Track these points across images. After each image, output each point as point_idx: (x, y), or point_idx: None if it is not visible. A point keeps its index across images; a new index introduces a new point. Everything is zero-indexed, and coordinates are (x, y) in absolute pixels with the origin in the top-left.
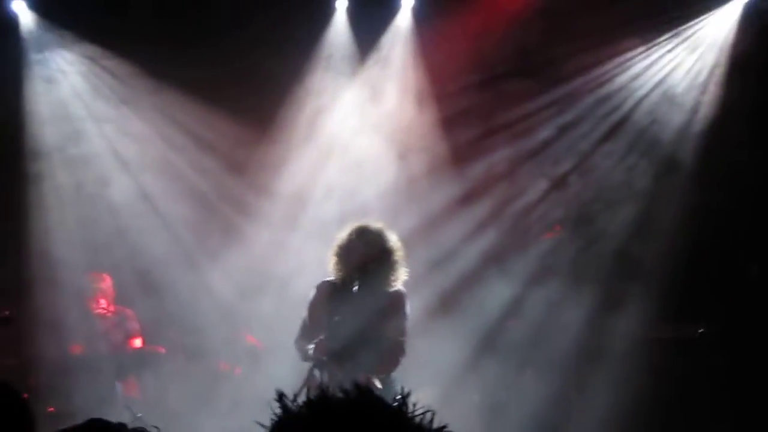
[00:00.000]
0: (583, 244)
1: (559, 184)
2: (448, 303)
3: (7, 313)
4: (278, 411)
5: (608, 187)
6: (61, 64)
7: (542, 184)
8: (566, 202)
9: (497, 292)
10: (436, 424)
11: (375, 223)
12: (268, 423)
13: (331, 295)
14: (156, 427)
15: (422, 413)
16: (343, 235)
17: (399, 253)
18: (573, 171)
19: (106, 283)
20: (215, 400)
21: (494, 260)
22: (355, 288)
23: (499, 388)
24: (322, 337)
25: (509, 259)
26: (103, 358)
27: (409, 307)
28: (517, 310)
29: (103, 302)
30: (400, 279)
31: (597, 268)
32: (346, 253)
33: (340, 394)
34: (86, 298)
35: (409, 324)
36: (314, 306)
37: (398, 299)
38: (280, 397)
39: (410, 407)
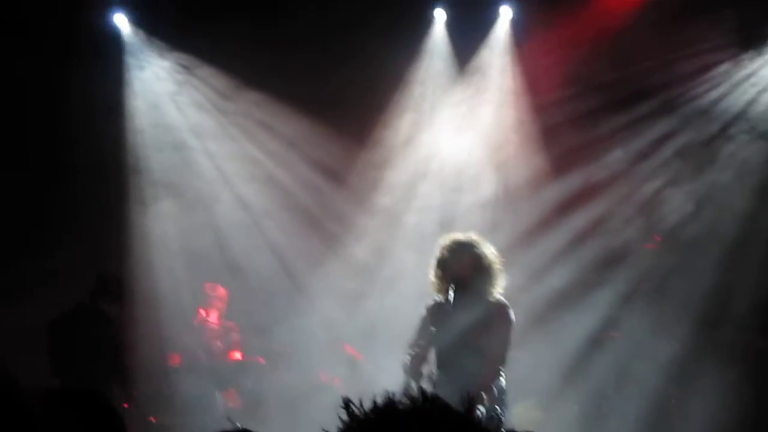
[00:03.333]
0: (683, 255)
1: (659, 193)
2: (547, 315)
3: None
4: (345, 418)
5: (711, 195)
6: (161, 75)
7: (643, 194)
8: (666, 213)
9: (596, 305)
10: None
11: (470, 235)
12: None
13: (434, 311)
14: None
15: (490, 419)
16: (438, 249)
17: (496, 265)
18: (673, 180)
19: (222, 294)
20: (314, 411)
21: (594, 272)
22: (451, 298)
23: (600, 398)
24: (418, 349)
25: (609, 270)
26: (204, 369)
27: (513, 317)
28: (617, 322)
29: (214, 313)
30: (499, 289)
31: (698, 278)
32: (442, 267)
33: (407, 401)
34: (198, 308)
35: (514, 334)
36: (421, 324)
37: (500, 309)
38: (347, 404)
39: (479, 414)
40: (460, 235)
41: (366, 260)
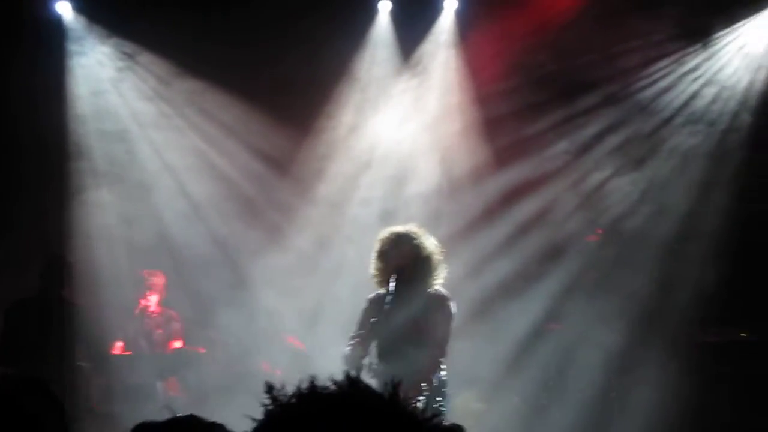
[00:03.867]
0: (625, 247)
1: (602, 185)
2: (489, 306)
3: None
4: (267, 402)
5: (653, 188)
6: (103, 62)
7: (585, 187)
8: (608, 205)
9: (538, 296)
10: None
11: (410, 227)
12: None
13: (375, 303)
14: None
15: (415, 404)
16: (378, 242)
17: (436, 256)
18: (616, 173)
19: (160, 280)
20: (256, 401)
21: (536, 263)
22: (392, 289)
23: (541, 390)
24: (359, 340)
25: (551, 262)
26: (146, 357)
27: (454, 308)
28: (558, 314)
29: (152, 299)
30: (440, 281)
31: (640, 269)
32: (382, 259)
33: (331, 385)
34: (136, 296)
35: (454, 325)
36: (362, 316)
37: (440, 301)
38: (270, 388)
39: (402, 399)
40: (399, 228)
41: (308, 251)
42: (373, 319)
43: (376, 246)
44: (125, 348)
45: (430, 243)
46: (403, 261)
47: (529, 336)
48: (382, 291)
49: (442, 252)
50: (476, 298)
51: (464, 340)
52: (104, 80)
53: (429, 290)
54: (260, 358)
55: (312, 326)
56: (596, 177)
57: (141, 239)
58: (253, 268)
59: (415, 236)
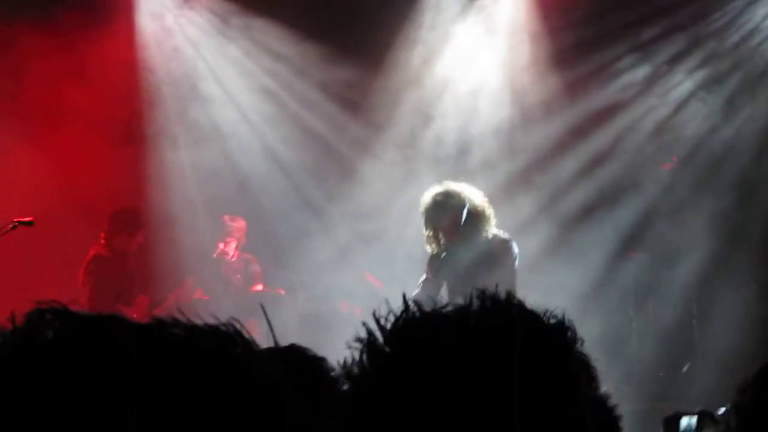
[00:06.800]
0: (700, 174)
1: (675, 113)
2: (567, 237)
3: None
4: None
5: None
6: (165, 5)
7: (657, 115)
8: (683, 131)
9: (616, 225)
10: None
11: (450, 188)
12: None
13: (433, 261)
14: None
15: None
16: (422, 207)
17: (485, 211)
18: (690, 97)
19: (241, 225)
20: (336, 341)
21: (612, 193)
22: (444, 255)
23: (621, 321)
24: (429, 284)
25: (628, 191)
26: (224, 301)
27: (515, 248)
28: (637, 242)
29: (232, 244)
30: (493, 229)
31: (716, 197)
32: (429, 225)
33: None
34: (215, 241)
35: (517, 266)
36: (427, 266)
37: (500, 245)
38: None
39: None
40: (440, 190)
41: (384, 188)
42: (435, 269)
43: (421, 211)
44: (203, 293)
45: (474, 200)
46: (449, 226)
47: (608, 265)
48: (436, 251)
49: (488, 203)
50: (553, 230)
51: (540, 274)
52: (170, 24)
53: (487, 238)
54: (339, 298)
55: (389, 264)
56: (670, 103)
57: (217, 187)
58: (329, 208)
59: (456, 199)
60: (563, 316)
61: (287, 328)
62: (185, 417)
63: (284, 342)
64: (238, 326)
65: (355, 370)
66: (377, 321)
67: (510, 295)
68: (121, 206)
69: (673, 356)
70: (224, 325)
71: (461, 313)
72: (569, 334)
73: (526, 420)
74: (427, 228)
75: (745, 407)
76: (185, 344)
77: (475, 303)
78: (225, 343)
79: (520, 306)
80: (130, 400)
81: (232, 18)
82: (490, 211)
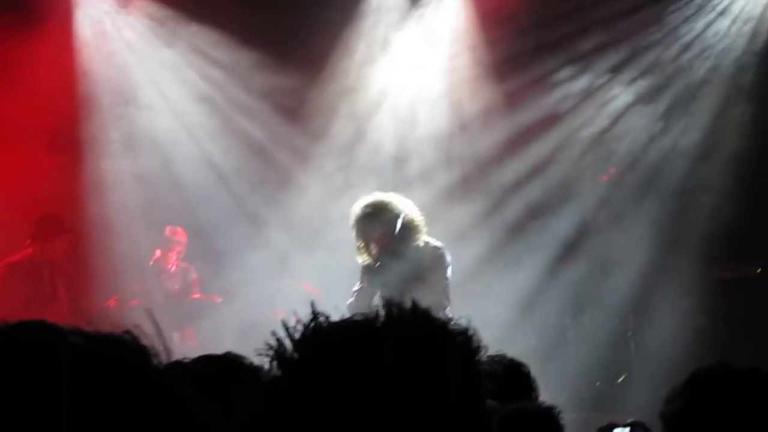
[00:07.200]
0: (638, 185)
1: (612, 125)
2: (502, 248)
3: None
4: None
5: (667, 125)
6: (104, 10)
7: (595, 126)
8: (620, 143)
9: (552, 236)
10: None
11: (380, 197)
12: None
13: (367, 270)
14: None
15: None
16: (352, 219)
17: (414, 221)
18: (627, 109)
19: (181, 236)
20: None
21: (549, 204)
22: (377, 265)
23: (557, 331)
24: (359, 290)
25: (565, 202)
26: (161, 309)
27: (448, 256)
28: (574, 252)
29: (173, 256)
30: (425, 237)
31: (654, 208)
32: (361, 235)
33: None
34: (159, 249)
35: (450, 274)
36: (361, 274)
37: (430, 251)
38: (312, 305)
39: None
40: (370, 201)
41: (319, 197)
42: (368, 279)
43: (352, 223)
44: (140, 301)
45: (405, 207)
46: (380, 238)
47: (545, 275)
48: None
49: (419, 211)
50: (490, 240)
51: (477, 283)
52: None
53: (418, 245)
54: (276, 306)
55: (327, 271)
56: (608, 115)
57: (153, 192)
58: (267, 216)
59: (385, 210)
60: (467, 325)
61: (224, 336)
62: (78, 421)
63: (221, 350)
64: (137, 334)
65: (268, 376)
66: (286, 329)
67: (416, 305)
68: (44, 213)
69: (608, 367)
70: (125, 333)
71: (368, 321)
72: (473, 342)
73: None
74: (358, 239)
75: (672, 416)
76: (81, 352)
77: (382, 311)
78: (122, 350)
79: (425, 314)
80: (22, 406)
81: (170, 23)
82: (421, 220)
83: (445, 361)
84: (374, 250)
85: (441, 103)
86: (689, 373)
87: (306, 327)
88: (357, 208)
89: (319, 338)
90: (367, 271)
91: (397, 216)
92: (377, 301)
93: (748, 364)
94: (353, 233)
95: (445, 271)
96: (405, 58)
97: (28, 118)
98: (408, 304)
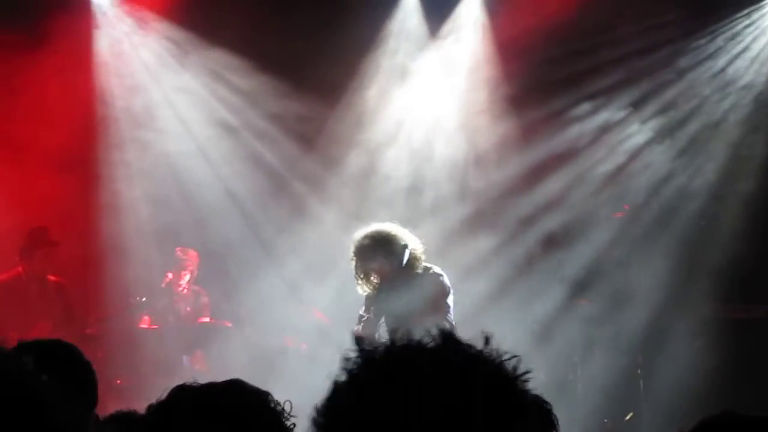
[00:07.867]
0: (651, 223)
1: (628, 162)
2: (514, 282)
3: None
4: (356, 356)
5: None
6: (124, 31)
7: (611, 163)
8: (635, 180)
9: (564, 273)
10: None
11: (376, 232)
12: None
13: (370, 301)
14: None
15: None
16: (352, 251)
17: (414, 251)
18: (644, 146)
19: (193, 258)
20: (280, 375)
21: (563, 239)
22: (380, 295)
23: (566, 368)
24: (365, 319)
25: (579, 238)
26: (171, 331)
27: (447, 281)
28: (586, 289)
29: (186, 277)
30: (424, 264)
31: (666, 246)
32: (359, 271)
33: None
34: (171, 272)
35: (452, 299)
36: (365, 303)
37: (430, 278)
38: (358, 341)
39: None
40: (369, 233)
41: (333, 225)
42: (372, 309)
43: (351, 255)
44: (152, 322)
45: (406, 237)
46: (382, 264)
47: (556, 311)
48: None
49: (418, 243)
50: (502, 274)
51: (489, 317)
52: (126, 48)
53: (418, 272)
54: (286, 333)
55: (338, 300)
56: (624, 152)
57: (168, 216)
58: (280, 243)
59: (381, 244)
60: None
61: (233, 361)
62: None
63: (228, 376)
64: None
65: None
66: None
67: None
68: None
69: (616, 404)
70: None
71: (419, 349)
72: (520, 370)
73: None
74: (357, 270)
75: None
76: None
77: (431, 340)
78: None
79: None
80: None
81: (189, 47)
82: (420, 248)
83: (519, 389)
84: (375, 280)
85: (457, 134)
86: (697, 422)
87: (362, 355)
88: (356, 239)
89: (382, 367)
90: (370, 300)
91: (399, 246)
92: (382, 329)
93: (756, 409)
94: (352, 264)
95: (447, 297)
96: (422, 88)
97: (42, 138)
98: (432, 332)
